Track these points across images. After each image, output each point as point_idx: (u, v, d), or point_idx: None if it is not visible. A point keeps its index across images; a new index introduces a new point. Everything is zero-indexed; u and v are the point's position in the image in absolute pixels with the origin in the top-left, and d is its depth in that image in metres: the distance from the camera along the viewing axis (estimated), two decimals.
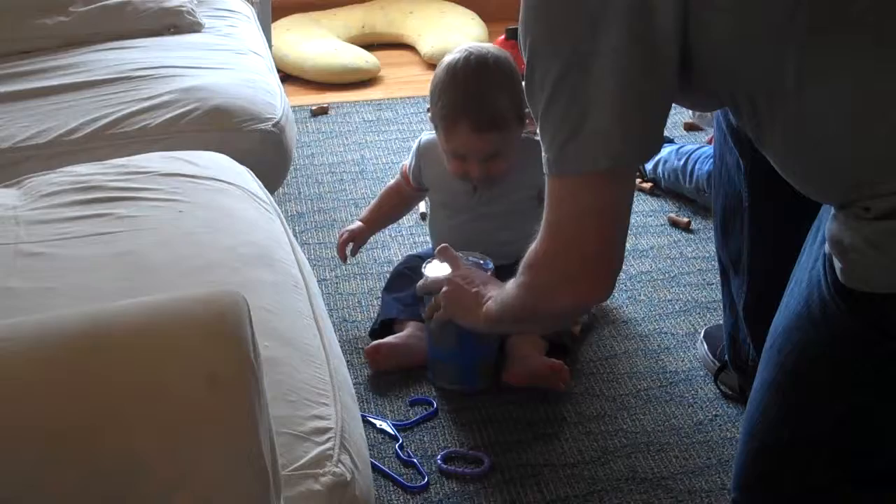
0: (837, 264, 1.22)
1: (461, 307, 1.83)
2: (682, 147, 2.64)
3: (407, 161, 2.25)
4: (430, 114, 2.15)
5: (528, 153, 2.08)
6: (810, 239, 1.34)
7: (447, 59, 2.09)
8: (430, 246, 2.27)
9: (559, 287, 1.45)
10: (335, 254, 2.30)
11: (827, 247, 1.24)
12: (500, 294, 1.67)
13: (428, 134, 2.21)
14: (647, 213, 2.60)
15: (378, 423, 1.92)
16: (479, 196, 2.14)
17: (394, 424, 1.92)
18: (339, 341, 1.60)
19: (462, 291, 1.83)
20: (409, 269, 2.19)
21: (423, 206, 2.46)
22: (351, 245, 2.27)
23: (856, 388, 1.27)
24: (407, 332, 2.10)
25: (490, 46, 2.15)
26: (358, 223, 2.29)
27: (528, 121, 2.08)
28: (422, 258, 2.13)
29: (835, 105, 1.19)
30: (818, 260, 1.27)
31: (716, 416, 1.94)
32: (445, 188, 2.18)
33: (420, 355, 2.06)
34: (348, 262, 2.31)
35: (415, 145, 2.23)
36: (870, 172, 1.19)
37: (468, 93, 2.03)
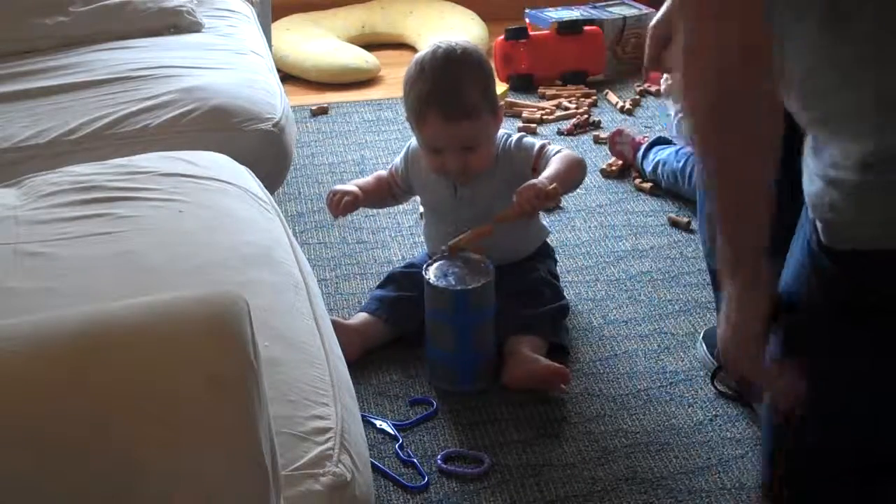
0: (819, 225, 1.22)
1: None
2: (681, 148, 2.65)
3: (396, 160, 2.25)
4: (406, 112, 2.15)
5: (500, 149, 2.12)
6: (803, 216, 1.32)
7: (417, 55, 2.12)
8: (425, 250, 2.27)
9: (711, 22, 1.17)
10: (335, 254, 2.29)
11: (810, 212, 1.23)
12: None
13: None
14: (647, 213, 2.60)
15: (378, 423, 1.92)
16: (461, 198, 2.13)
17: (394, 424, 1.92)
18: None
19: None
20: (402, 273, 2.19)
21: (422, 207, 2.46)
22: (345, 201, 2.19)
23: (857, 352, 1.25)
24: (352, 322, 2.09)
25: (460, 39, 2.17)
26: (353, 187, 2.23)
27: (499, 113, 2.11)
28: (417, 266, 2.13)
29: None
30: (805, 224, 1.26)
31: (716, 416, 1.94)
32: (430, 193, 2.20)
33: (355, 350, 2.00)
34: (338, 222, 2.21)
35: (405, 148, 2.23)
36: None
37: (436, 83, 2.04)
